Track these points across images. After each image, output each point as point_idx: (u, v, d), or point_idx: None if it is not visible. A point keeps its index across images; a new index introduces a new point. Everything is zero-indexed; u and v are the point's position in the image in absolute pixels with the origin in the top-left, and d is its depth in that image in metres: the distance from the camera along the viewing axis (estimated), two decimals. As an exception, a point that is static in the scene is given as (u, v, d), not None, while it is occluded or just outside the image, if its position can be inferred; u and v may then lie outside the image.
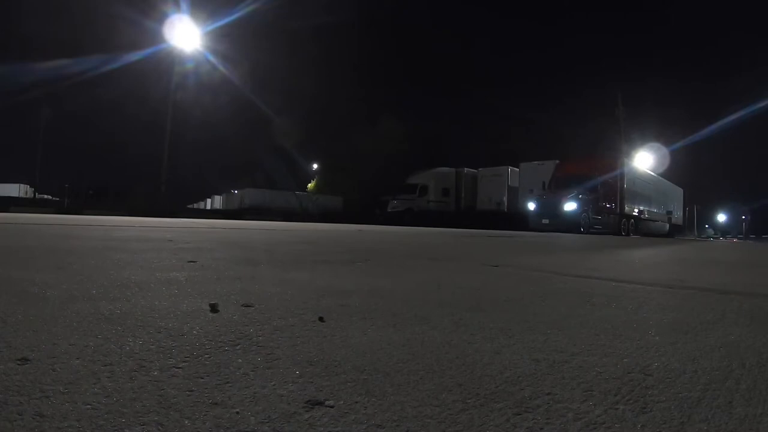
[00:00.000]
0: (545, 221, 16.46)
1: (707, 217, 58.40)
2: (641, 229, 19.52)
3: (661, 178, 23.65)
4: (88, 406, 0.70)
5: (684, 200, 28.07)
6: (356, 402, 0.77)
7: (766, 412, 0.78)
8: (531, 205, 17.90)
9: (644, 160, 25.45)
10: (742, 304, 1.87)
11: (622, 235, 17.18)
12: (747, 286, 2.59)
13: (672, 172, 26.21)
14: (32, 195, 28.64)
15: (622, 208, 17.76)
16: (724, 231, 57.63)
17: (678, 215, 25.91)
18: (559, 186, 17.24)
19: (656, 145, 27.63)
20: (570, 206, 16.07)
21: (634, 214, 18.94)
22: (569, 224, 15.64)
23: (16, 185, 31.70)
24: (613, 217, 17.48)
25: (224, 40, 25.69)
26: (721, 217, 62.12)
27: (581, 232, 15.34)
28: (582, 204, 16.13)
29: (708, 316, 1.60)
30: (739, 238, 39.68)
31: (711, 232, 56.37)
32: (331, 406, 0.74)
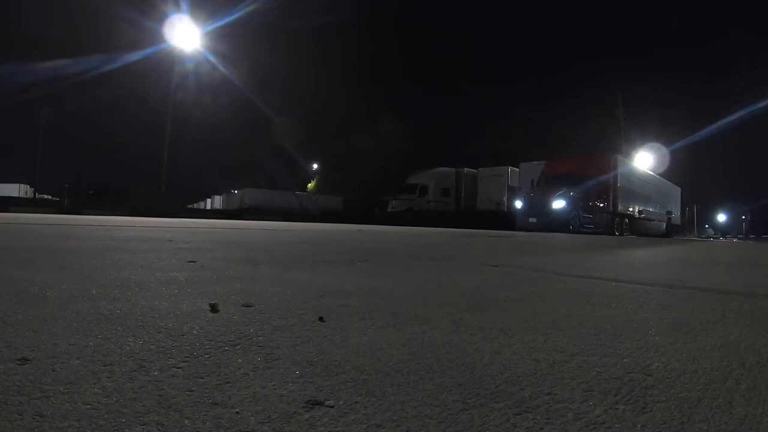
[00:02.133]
0: (532, 220, 15.73)
1: (707, 217, 58.45)
2: (637, 228, 18.85)
3: (658, 176, 23.35)
4: (88, 406, 0.70)
5: (682, 199, 27.86)
6: (356, 402, 0.77)
7: (766, 412, 0.78)
8: (518, 204, 17.17)
9: (643, 160, 25.41)
10: (742, 304, 1.86)
11: (616, 234, 16.61)
12: (747, 286, 2.59)
13: (672, 172, 26.21)
14: (32, 195, 28.66)
15: (615, 206, 17.03)
16: (724, 231, 57.54)
17: (676, 215, 25.63)
18: (548, 184, 16.48)
19: (656, 144, 27.68)
20: (558, 204, 15.30)
21: (628, 213, 18.24)
22: (558, 223, 14.90)
23: (16, 185, 31.72)
24: (605, 216, 16.74)
25: (224, 40, 25.77)
26: (721, 217, 62.08)
27: (570, 231, 14.68)
28: (571, 202, 15.35)
29: (708, 316, 1.60)
30: (739, 238, 39.66)
31: (711, 232, 56.33)
32: (331, 406, 0.74)
